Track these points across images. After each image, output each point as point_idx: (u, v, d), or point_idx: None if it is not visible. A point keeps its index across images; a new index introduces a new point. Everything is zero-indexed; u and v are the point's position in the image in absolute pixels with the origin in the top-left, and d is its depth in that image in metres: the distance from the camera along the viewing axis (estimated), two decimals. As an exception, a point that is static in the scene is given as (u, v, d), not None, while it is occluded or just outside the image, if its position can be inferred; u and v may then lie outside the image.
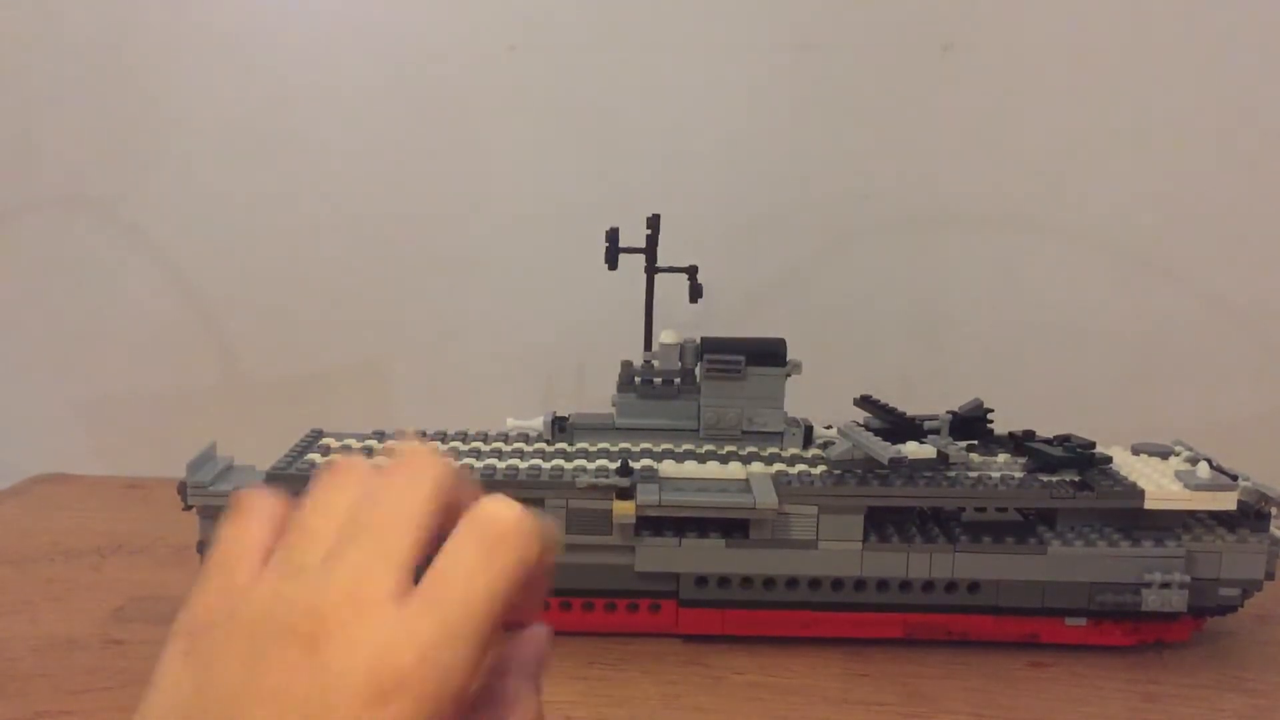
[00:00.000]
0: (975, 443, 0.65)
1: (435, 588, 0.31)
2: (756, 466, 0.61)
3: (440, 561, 0.31)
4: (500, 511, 0.32)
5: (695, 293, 0.66)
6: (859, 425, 0.63)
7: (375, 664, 0.29)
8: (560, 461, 0.61)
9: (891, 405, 0.64)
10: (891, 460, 0.57)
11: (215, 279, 0.88)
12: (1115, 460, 0.62)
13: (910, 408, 0.64)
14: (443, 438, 0.65)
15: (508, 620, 0.32)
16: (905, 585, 0.58)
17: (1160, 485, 0.57)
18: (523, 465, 0.60)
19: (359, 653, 0.29)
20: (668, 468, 0.60)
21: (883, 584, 0.58)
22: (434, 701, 0.29)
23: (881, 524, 0.59)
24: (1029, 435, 0.64)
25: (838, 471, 0.59)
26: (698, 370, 0.65)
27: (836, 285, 0.85)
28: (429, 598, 0.30)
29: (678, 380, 0.65)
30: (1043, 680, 0.57)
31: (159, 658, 0.31)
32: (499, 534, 0.31)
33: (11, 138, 0.86)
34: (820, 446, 0.64)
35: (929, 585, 0.58)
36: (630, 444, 0.64)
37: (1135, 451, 0.64)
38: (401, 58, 0.83)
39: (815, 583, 0.58)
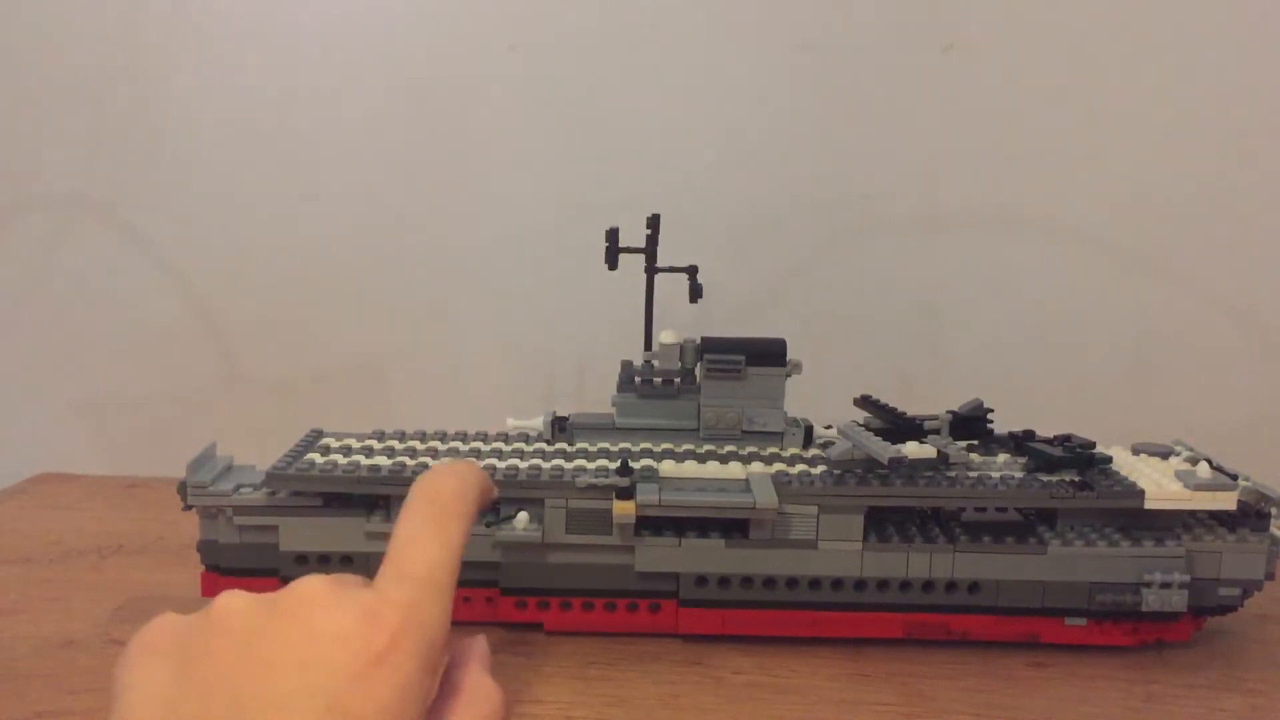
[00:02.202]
0: (975, 443, 0.65)
1: (397, 561, 0.34)
2: (756, 466, 0.61)
3: (396, 540, 0.35)
4: (439, 479, 0.37)
5: (695, 293, 0.66)
6: (859, 425, 0.63)
7: (365, 626, 0.31)
8: (560, 461, 0.61)
9: (891, 405, 0.64)
10: (891, 460, 0.57)
11: (215, 279, 0.88)
12: (1115, 460, 0.62)
13: (910, 408, 0.64)
14: (442, 438, 0.65)
15: None
16: (905, 585, 0.58)
17: (1160, 485, 0.57)
18: (523, 465, 0.60)
19: (346, 617, 0.31)
20: (667, 468, 0.60)
21: (883, 584, 0.58)
22: (423, 654, 0.31)
23: (881, 524, 0.59)
24: (1029, 435, 0.64)
25: (838, 471, 0.59)
26: (698, 370, 0.65)
27: (836, 285, 0.85)
28: (394, 572, 0.33)
29: (678, 380, 0.65)
30: (1043, 680, 0.57)
31: (117, 674, 0.32)
32: (444, 502, 0.36)
33: (11, 138, 0.86)
34: (820, 446, 0.64)
35: (929, 585, 0.58)
36: (630, 444, 0.64)
37: (1135, 451, 0.64)
38: (401, 58, 0.83)
39: (815, 583, 0.58)
